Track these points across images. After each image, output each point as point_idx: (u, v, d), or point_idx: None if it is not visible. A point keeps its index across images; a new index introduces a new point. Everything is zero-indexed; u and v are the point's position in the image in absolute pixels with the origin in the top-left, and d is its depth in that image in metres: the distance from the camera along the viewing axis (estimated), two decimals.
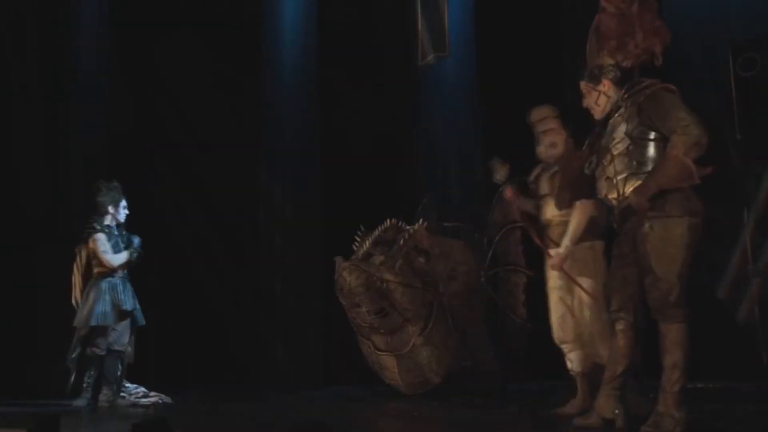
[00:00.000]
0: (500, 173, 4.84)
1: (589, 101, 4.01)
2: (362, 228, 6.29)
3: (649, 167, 3.70)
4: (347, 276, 5.84)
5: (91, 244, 6.12)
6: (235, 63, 8.37)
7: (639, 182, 3.70)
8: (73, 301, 6.15)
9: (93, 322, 5.98)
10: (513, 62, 8.22)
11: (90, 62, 7.85)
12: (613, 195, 3.83)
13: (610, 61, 3.92)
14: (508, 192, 4.85)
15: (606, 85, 3.92)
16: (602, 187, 3.90)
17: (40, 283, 7.11)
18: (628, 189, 3.73)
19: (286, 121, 8.03)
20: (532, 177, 4.94)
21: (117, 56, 8.03)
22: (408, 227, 6.26)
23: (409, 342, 6.03)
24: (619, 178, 3.78)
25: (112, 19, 7.99)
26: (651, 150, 3.72)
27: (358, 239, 6.26)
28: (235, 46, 8.34)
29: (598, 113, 4.00)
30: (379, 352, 6.18)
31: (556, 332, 4.73)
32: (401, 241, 6.14)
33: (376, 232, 6.25)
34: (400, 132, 8.45)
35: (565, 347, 4.69)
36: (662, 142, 3.69)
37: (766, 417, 4.27)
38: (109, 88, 7.93)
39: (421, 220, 6.34)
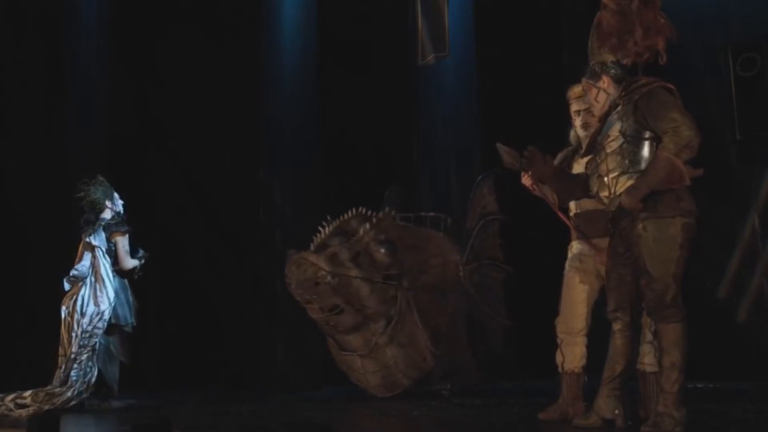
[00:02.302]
0: (509, 158, 4.39)
1: (589, 98, 4.01)
2: (328, 218, 5.87)
3: (642, 166, 3.69)
4: (295, 270, 5.41)
5: (117, 238, 5.99)
6: (235, 62, 8.37)
7: (630, 181, 3.69)
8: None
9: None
10: (513, 62, 8.23)
11: (90, 61, 7.86)
12: (604, 193, 3.82)
13: (611, 59, 3.90)
14: (526, 178, 4.51)
15: (606, 82, 3.90)
16: (594, 184, 3.90)
17: (40, 283, 7.11)
18: (620, 187, 3.73)
19: (286, 121, 8.03)
20: (557, 162, 4.59)
21: (117, 56, 8.04)
22: (373, 216, 5.84)
23: (371, 341, 5.68)
24: (611, 176, 3.78)
25: (112, 19, 7.99)
26: (644, 149, 3.71)
27: (321, 229, 5.81)
28: (234, 45, 8.34)
29: (597, 110, 4.00)
30: (343, 352, 5.85)
31: (565, 320, 4.44)
32: (361, 231, 5.72)
33: (338, 221, 5.80)
34: (400, 132, 8.45)
35: (566, 339, 4.43)
36: (656, 142, 3.67)
37: (765, 417, 4.27)
38: (109, 87, 7.94)
39: (387, 209, 5.94)
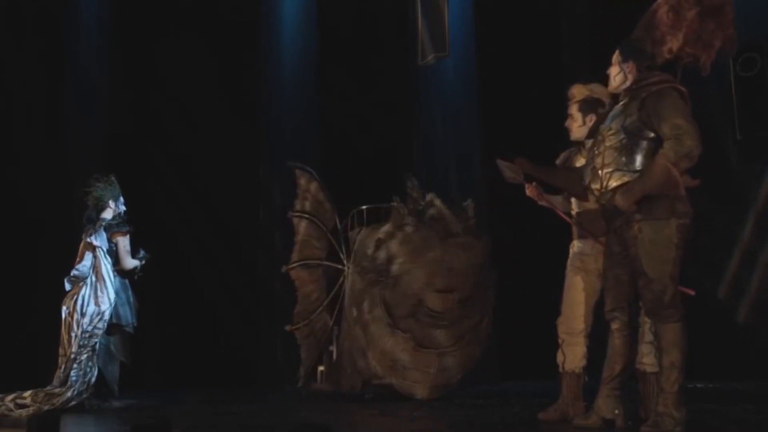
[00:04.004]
0: (510, 173, 4.38)
1: (611, 70, 3.94)
2: (398, 199, 5.75)
3: (637, 165, 3.67)
4: (462, 254, 5.23)
5: (118, 238, 5.97)
6: (235, 62, 8.37)
7: (625, 177, 3.67)
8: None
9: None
10: (513, 62, 8.23)
11: (90, 61, 7.86)
12: (596, 185, 3.81)
13: (650, 49, 3.86)
14: (530, 190, 4.53)
15: (629, 67, 3.84)
16: (587, 175, 3.89)
17: (40, 283, 7.11)
18: (612, 183, 3.72)
19: (286, 121, 8.03)
20: (559, 161, 4.68)
21: (117, 56, 8.04)
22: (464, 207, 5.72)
23: (455, 337, 5.54)
24: (605, 170, 3.76)
25: (112, 19, 7.99)
26: (643, 148, 3.68)
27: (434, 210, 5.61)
28: (235, 46, 8.35)
29: (611, 87, 3.97)
30: (420, 349, 5.64)
31: (566, 320, 4.45)
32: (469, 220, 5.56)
33: (446, 206, 5.62)
34: (400, 132, 8.45)
35: (567, 339, 4.44)
36: (655, 143, 3.65)
37: (765, 417, 4.27)
38: (109, 87, 7.94)
39: (469, 200, 5.81)
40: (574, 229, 4.55)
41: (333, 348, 6.46)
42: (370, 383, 6.06)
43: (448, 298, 5.35)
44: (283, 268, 6.73)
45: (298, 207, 6.79)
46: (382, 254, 5.80)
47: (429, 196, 5.90)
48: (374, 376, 5.97)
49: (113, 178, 6.09)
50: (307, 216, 6.69)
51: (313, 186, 6.84)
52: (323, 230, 6.66)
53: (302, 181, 6.89)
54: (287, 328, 6.79)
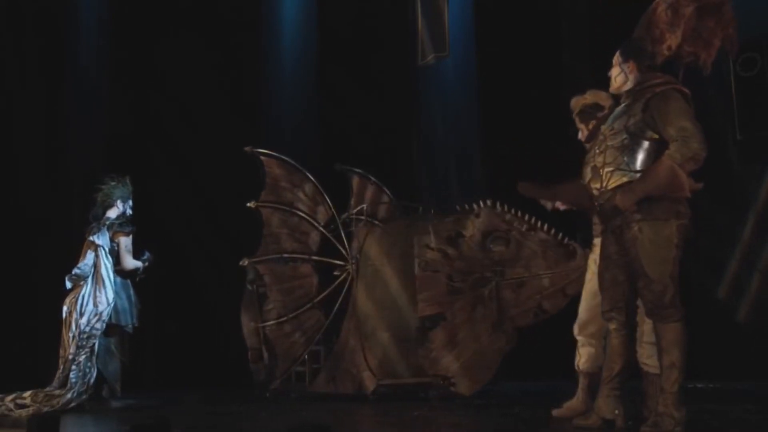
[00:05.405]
0: (532, 193, 4.33)
1: (612, 71, 3.94)
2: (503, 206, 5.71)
3: (637, 166, 3.66)
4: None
5: (120, 238, 5.97)
6: (235, 63, 8.37)
7: (624, 178, 3.66)
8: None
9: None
10: (513, 62, 8.24)
11: (90, 61, 7.87)
12: (595, 185, 3.80)
13: (650, 48, 3.85)
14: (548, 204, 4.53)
15: (630, 67, 3.84)
16: (587, 173, 3.87)
17: (39, 282, 7.12)
18: (612, 183, 3.71)
19: (286, 121, 8.03)
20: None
21: (117, 56, 8.04)
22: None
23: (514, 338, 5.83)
24: (606, 169, 3.75)
25: (112, 19, 8.00)
26: (645, 149, 3.66)
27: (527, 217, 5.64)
28: (235, 45, 8.35)
29: (612, 88, 3.97)
30: (506, 347, 5.83)
31: (581, 321, 4.48)
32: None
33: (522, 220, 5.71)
34: (400, 132, 8.45)
35: (582, 339, 4.48)
36: (657, 144, 3.64)
37: (765, 417, 4.27)
38: (109, 87, 7.94)
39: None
40: (595, 228, 4.51)
41: (334, 347, 6.38)
42: (381, 383, 6.00)
43: (565, 302, 5.51)
44: (245, 262, 6.54)
45: (272, 198, 6.60)
46: (484, 256, 5.77)
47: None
48: (425, 376, 5.90)
49: (127, 180, 6.11)
50: (286, 208, 6.58)
51: (297, 177, 6.65)
52: (314, 224, 6.60)
53: (278, 171, 6.64)
54: (257, 324, 6.50)
